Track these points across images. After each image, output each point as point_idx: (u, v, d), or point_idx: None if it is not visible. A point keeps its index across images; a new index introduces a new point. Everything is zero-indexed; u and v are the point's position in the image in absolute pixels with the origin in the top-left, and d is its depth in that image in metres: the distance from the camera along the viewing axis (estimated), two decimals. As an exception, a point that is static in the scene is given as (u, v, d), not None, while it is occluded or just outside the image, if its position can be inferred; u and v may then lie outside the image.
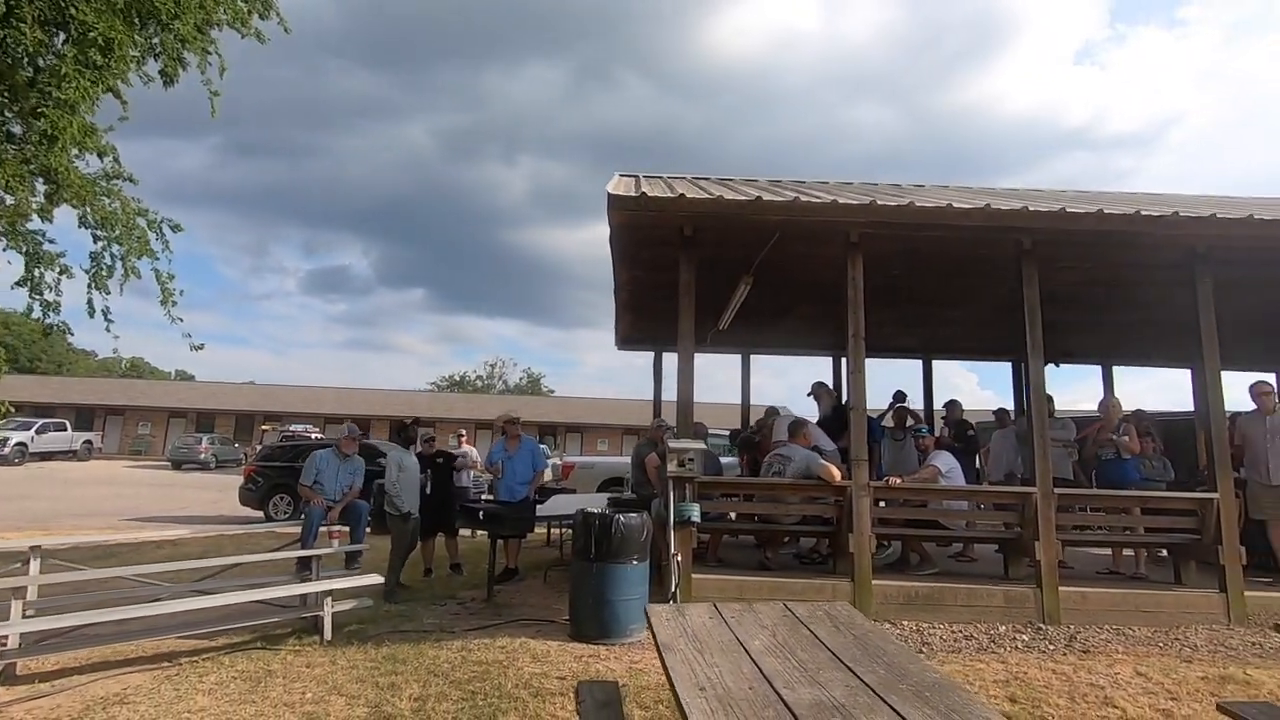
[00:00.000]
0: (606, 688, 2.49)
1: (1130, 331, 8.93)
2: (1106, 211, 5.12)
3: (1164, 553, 6.26)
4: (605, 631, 4.58)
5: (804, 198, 5.17)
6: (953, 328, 9.22)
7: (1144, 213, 5.13)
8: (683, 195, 5.04)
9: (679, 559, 4.98)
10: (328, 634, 4.64)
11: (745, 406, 10.31)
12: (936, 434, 7.80)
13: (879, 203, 5.11)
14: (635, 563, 4.71)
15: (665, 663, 2.04)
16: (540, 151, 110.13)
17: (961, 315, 8.59)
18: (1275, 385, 7.68)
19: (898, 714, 1.71)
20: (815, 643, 2.25)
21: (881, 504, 5.84)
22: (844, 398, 7.80)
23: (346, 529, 6.39)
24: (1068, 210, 5.10)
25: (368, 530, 6.79)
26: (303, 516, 6.39)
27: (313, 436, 21.58)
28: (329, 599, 4.73)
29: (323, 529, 6.11)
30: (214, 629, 4.55)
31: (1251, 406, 6.15)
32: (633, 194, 5.07)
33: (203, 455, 27.42)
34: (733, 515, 6.62)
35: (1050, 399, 6.50)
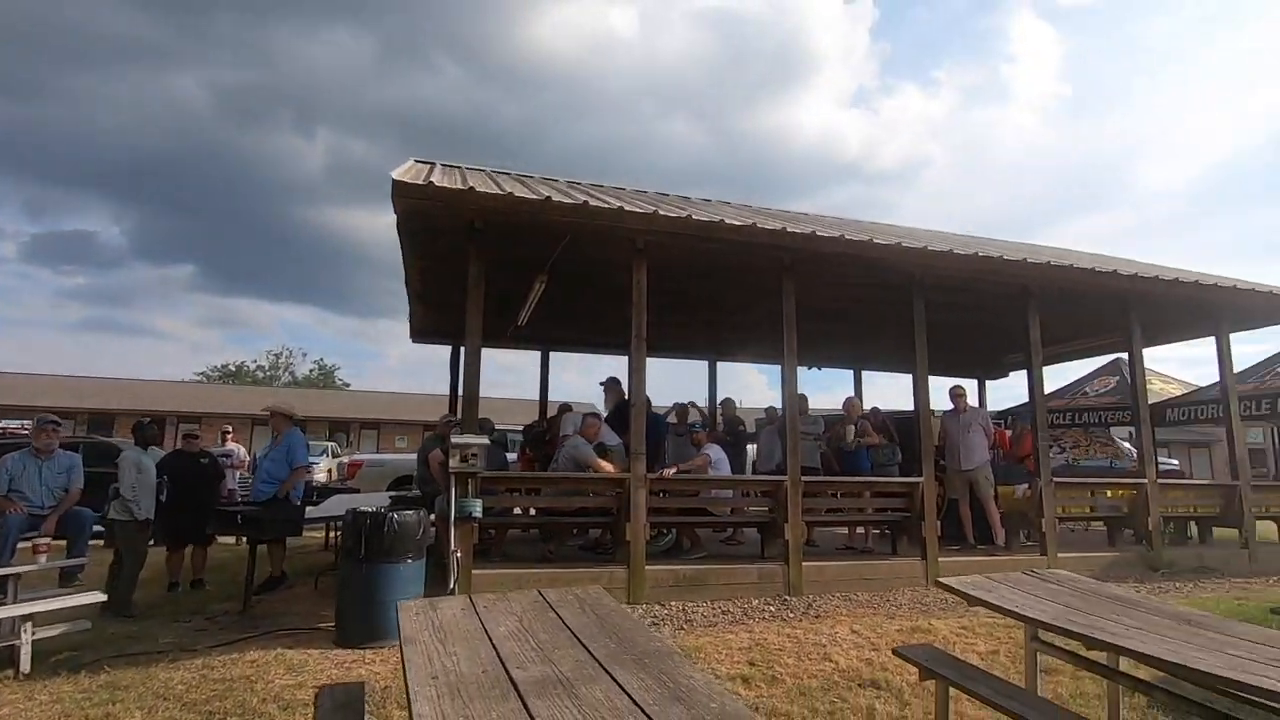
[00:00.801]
0: (350, 690, 2.42)
1: (872, 341, 10.41)
2: (847, 238, 5.97)
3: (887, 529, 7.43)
4: (374, 634, 4.40)
5: (593, 202, 5.38)
6: (735, 332, 10.10)
7: (875, 240, 6.06)
8: (472, 189, 5.00)
9: (458, 555, 4.95)
10: (26, 666, 3.94)
11: (543, 403, 10.42)
12: (713, 429, 8.51)
13: (660, 213, 5.48)
14: (410, 561, 4.59)
15: (403, 655, 2.05)
16: (342, 125, 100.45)
17: (741, 321, 9.43)
18: (975, 390, 9.50)
19: (615, 680, 1.88)
20: (559, 624, 2.38)
21: (662, 494, 6.28)
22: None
23: (62, 541, 5.45)
24: (817, 234, 5.86)
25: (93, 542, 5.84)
26: None
27: (31, 434, 17.92)
28: (28, 625, 4.01)
29: (23, 544, 5.15)
30: None
31: (950, 406, 7.53)
32: (419, 182, 4.92)
33: None
34: (518, 510, 6.70)
35: (804, 398, 7.41)
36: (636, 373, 5.76)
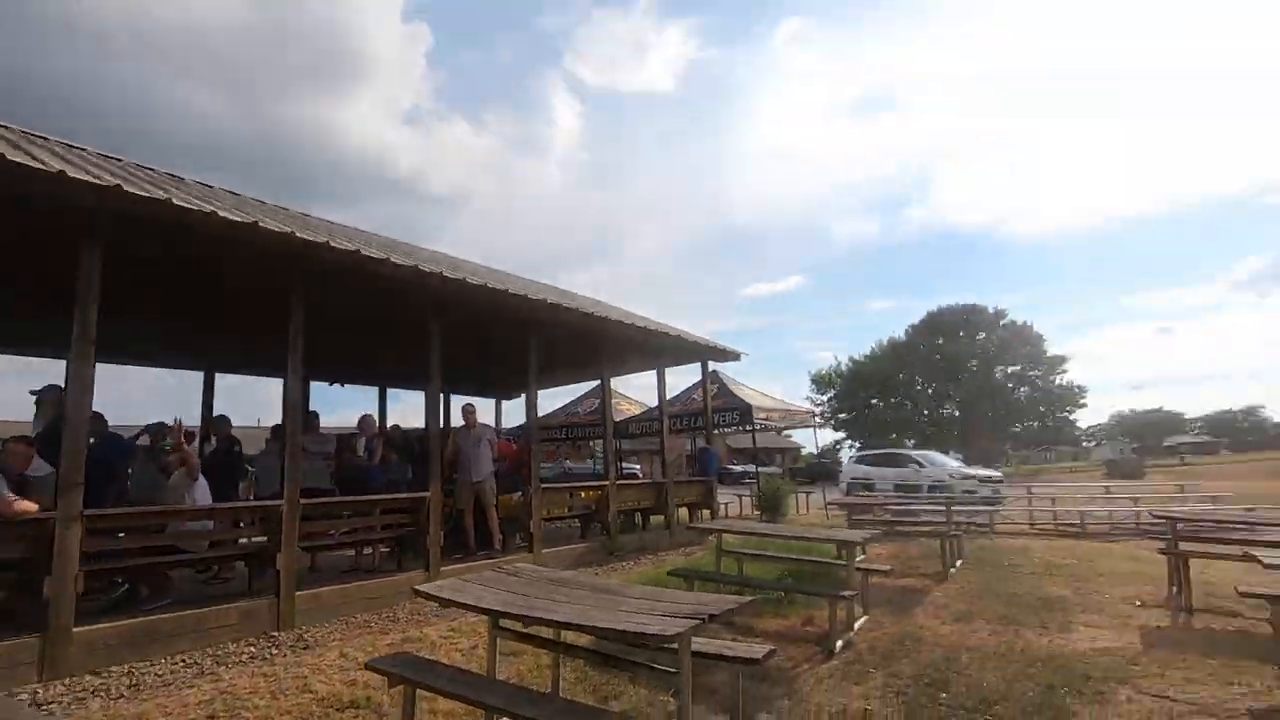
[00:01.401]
0: None
1: (398, 359, 10.46)
2: (363, 253, 5.90)
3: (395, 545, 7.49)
4: None
5: (24, 160, 4.09)
6: (238, 339, 8.90)
7: (392, 259, 6.14)
8: None
9: None
10: None
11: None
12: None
13: (127, 189, 4.48)
14: None
15: None
16: None
17: (245, 327, 8.35)
18: (494, 408, 10.39)
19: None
20: None
21: (121, 534, 5.09)
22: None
23: None
24: (330, 244, 5.63)
25: None
26: None
27: None
28: None
29: None
30: None
31: (462, 423, 8.08)
32: None
33: None
34: None
35: (315, 415, 6.99)
36: (76, 381, 4.54)
